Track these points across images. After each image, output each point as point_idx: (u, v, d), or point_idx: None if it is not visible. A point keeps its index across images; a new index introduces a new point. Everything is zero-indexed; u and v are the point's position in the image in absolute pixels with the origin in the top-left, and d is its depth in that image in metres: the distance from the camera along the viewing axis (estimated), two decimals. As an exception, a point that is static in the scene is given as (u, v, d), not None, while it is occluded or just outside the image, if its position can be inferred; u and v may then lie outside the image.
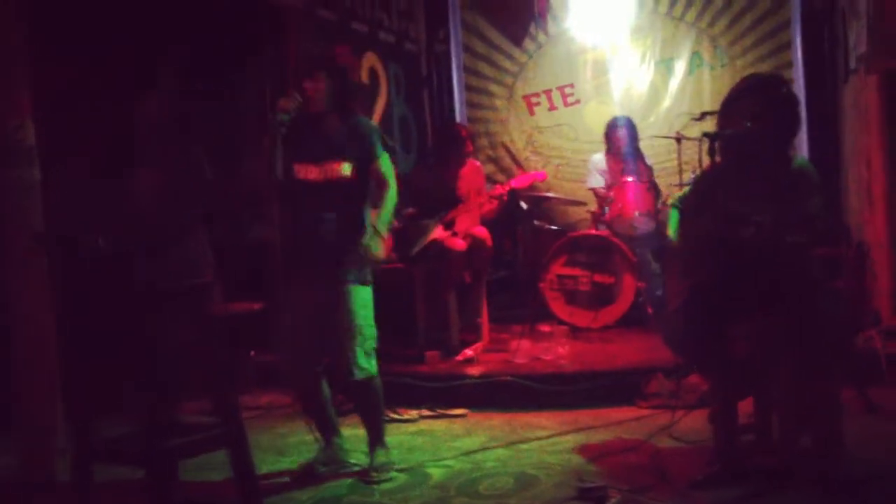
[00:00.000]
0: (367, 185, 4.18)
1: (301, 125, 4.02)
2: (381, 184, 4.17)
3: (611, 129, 7.03)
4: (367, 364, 4.08)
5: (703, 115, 6.03)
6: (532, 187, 6.92)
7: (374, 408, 4.23)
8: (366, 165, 4.13)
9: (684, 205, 4.14)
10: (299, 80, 4.05)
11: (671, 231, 4.13)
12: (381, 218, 4.15)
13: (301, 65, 4.19)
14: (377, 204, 4.22)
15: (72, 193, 4.68)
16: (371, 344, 4.11)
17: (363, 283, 4.12)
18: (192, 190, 4.74)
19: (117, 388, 3.49)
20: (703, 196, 3.98)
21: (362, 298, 4.11)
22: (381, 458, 4.18)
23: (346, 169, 4.07)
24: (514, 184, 6.42)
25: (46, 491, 4.16)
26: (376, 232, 4.11)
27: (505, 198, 6.24)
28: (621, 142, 6.92)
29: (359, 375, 4.06)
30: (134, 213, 4.55)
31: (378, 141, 4.15)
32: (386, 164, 4.18)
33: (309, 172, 4.06)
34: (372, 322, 4.14)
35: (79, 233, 4.15)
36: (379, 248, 4.12)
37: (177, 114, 4.87)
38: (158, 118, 4.80)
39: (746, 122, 3.70)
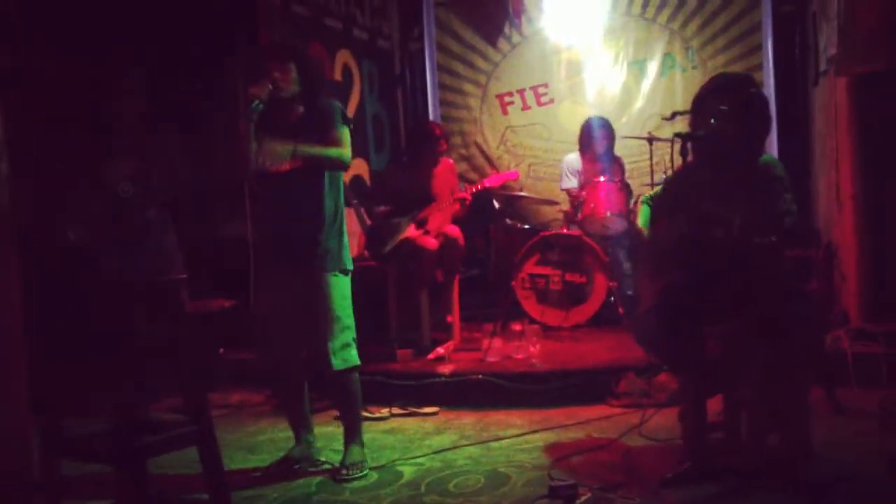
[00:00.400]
0: (339, 174, 4.18)
1: (270, 115, 4.00)
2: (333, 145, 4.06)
3: (587, 130, 7.04)
4: (345, 355, 4.06)
5: (674, 115, 6.06)
6: (504, 186, 6.94)
7: (352, 400, 4.20)
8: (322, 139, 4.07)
9: (655, 203, 4.16)
10: (268, 67, 4.03)
11: (641, 222, 4.14)
12: (310, 148, 4.00)
13: (270, 52, 4.15)
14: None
15: (43, 186, 4.64)
16: (350, 334, 4.10)
17: (341, 272, 4.11)
18: (165, 181, 4.72)
19: (87, 384, 3.46)
20: (674, 196, 4.00)
21: (340, 288, 4.10)
22: (354, 455, 4.16)
23: None
24: (486, 183, 6.43)
25: (18, 488, 4.10)
26: (295, 148, 3.99)
27: (468, 201, 6.22)
28: (598, 143, 6.94)
29: (337, 366, 4.04)
30: (107, 203, 4.52)
31: (337, 114, 4.10)
32: (343, 134, 4.08)
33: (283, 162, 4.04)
34: (350, 312, 4.12)
35: (49, 226, 4.11)
36: (284, 151, 3.99)
37: (151, 105, 4.84)
38: (135, 108, 4.77)
39: (713, 121, 3.72)
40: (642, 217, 4.15)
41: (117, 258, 3.99)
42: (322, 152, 4.02)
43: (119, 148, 4.73)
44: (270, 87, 3.96)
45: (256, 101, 3.91)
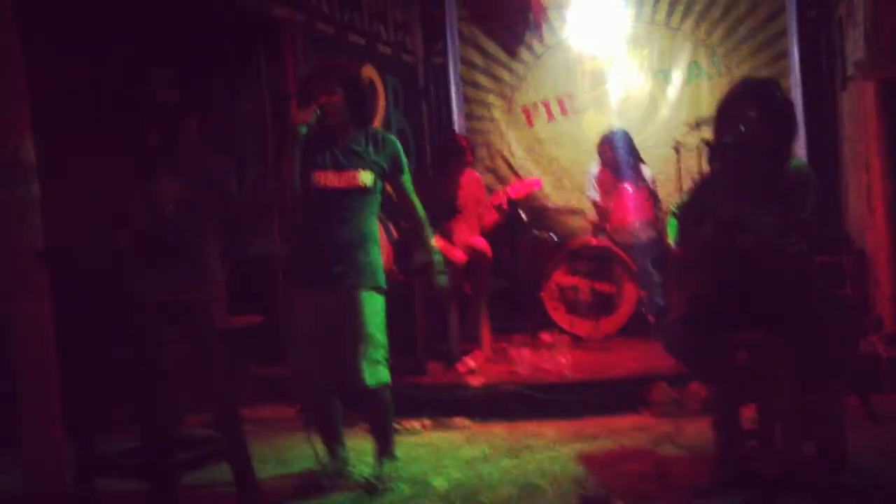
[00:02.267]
0: (380, 197, 4.21)
1: (319, 135, 4.02)
2: (409, 201, 4.27)
3: (603, 144, 7.06)
4: (378, 372, 4.06)
5: (699, 124, 6.05)
6: (530, 195, 6.93)
7: (384, 417, 4.21)
8: (386, 178, 4.17)
9: (682, 212, 4.14)
10: (315, 94, 4.04)
11: (671, 238, 4.12)
12: (428, 238, 4.34)
13: (315, 79, 4.16)
14: (407, 219, 4.40)
15: (75, 207, 4.68)
16: (382, 352, 4.09)
17: (377, 290, 4.13)
18: (213, 202, 4.75)
19: (120, 401, 3.49)
20: (701, 204, 3.98)
21: (375, 306, 4.10)
22: (387, 469, 4.15)
23: (366, 178, 4.07)
24: (510, 192, 6.44)
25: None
26: (431, 255, 4.31)
27: (504, 206, 6.24)
28: (613, 156, 6.94)
29: (370, 383, 4.03)
30: (151, 223, 4.55)
31: (404, 158, 4.19)
32: (409, 180, 4.25)
33: (329, 180, 4.06)
34: (383, 330, 4.13)
35: (80, 248, 4.15)
36: (443, 274, 4.34)
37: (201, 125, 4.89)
38: (186, 128, 4.81)
39: (741, 127, 3.70)
40: (671, 230, 4.14)
41: (150, 276, 4.01)
42: (426, 225, 4.35)
43: (168, 168, 4.77)
44: (318, 112, 3.96)
45: (304, 126, 3.93)
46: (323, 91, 4.03)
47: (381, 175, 4.14)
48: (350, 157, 4.07)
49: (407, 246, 5.99)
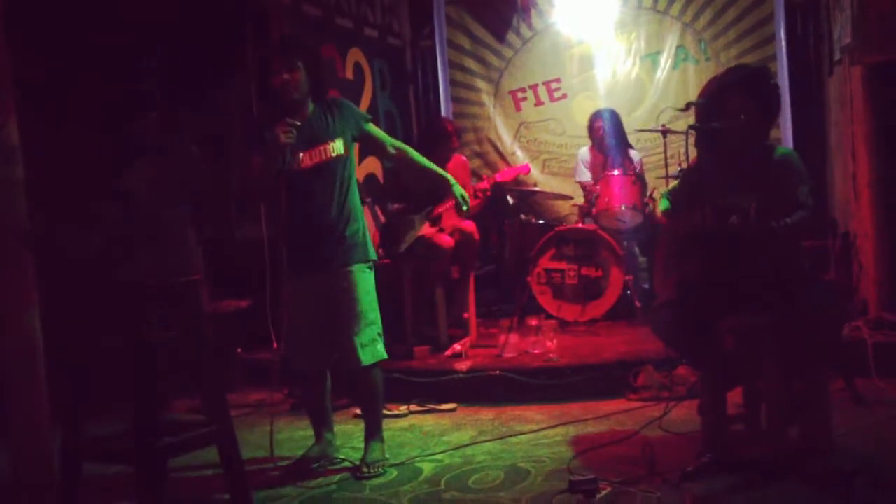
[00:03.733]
0: (353, 163, 4.23)
1: (280, 117, 4.02)
2: (386, 143, 4.33)
3: (592, 122, 7.08)
4: (373, 349, 4.08)
5: (689, 106, 6.03)
6: (517, 180, 6.93)
7: (376, 396, 4.22)
8: (356, 138, 4.21)
9: (673, 197, 4.15)
10: (278, 71, 4.05)
11: (661, 208, 4.14)
12: (426, 165, 4.41)
13: (276, 57, 4.17)
14: (396, 160, 4.47)
15: (58, 190, 4.65)
16: (376, 329, 4.11)
17: (366, 264, 4.14)
18: (188, 184, 4.74)
19: (107, 386, 3.47)
20: (691, 189, 3.99)
21: (365, 284, 4.11)
22: (375, 453, 4.16)
23: (338, 147, 4.09)
24: (498, 177, 6.44)
25: (40, 492, 4.13)
26: (450, 184, 4.41)
27: (489, 192, 6.25)
28: (602, 134, 6.96)
29: (366, 361, 4.05)
30: (128, 206, 4.53)
31: (357, 108, 4.25)
32: (374, 126, 4.30)
33: (301, 160, 4.06)
34: (376, 307, 4.14)
35: (65, 230, 4.12)
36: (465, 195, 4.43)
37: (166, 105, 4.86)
38: (158, 112, 4.79)
39: (740, 116, 3.73)
40: (662, 204, 4.15)
41: (132, 259, 4.00)
42: (424, 160, 4.42)
43: (140, 149, 4.74)
44: (294, 130, 3.98)
45: (286, 145, 3.96)
46: (285, 68, 4.05)
47: (351, 138, 4.17)
48: (315, 132, 4.10)
49: (394, 230, 5.99)
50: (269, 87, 4.07)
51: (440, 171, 4.45)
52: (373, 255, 4.19)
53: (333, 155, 4.08)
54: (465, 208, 4.41)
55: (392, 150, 4.35)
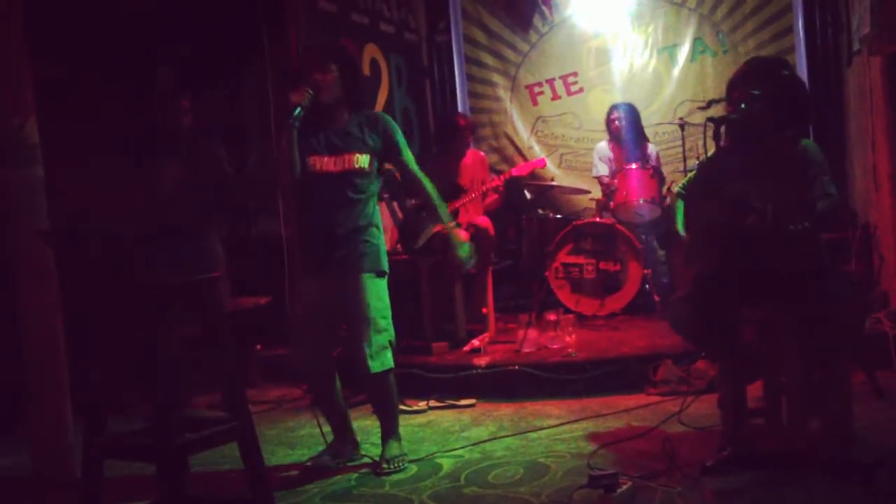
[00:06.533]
0: (378, 179, 4.19)
1: (313, 118, 4.00)
2: (415, 178, 4.24)
3: (609, 116, 7.06)
4: (382, 358, 4.05)
5: (710, 104, 6.01)
6: (532, 175, 6.92)
7: (388, 401, 4.21)
8: (385, 158, 4.16)
9: (689, 191, 4.14)
10: (309, 71, 4.03)
11: (679, 225, 4.13)
12: (442, 211, 4.30)
13: (309, 56, 4.15)
14: (417, 196, 4.44)
15: (79, 189, 4.69)
16: (386, 337, 4.08)
17: (378, 274, 4.11)
18: (213, 184, 4.77)
19: (128, 383, 3.49)
20: (707, 181, 3.97)
21: (377, 290, 4.09)
22: (393, 449, 4.17)
23: (363, 161, 4.06)
24: (513, 172, 6.43)
25: (60, 488, 4.17)
26: (451, 229, 4.32)
27: (502, 188, 6.23)
28: (620, 128, 6.94)
29: (374, 368, 4.02)
30: (153, 205, 4.57)
31: (399, 133, 4.17)
32: (411, 157, 4.23)
33: (325, 164, 4.05)
34: (387, 314, 4.11)
35: (86, 228, 4.15)
36: (467, 246, 4.33)
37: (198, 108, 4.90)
38: (184, 112, 4.82)
39: (743, 106, 3.71)
40: (679, 215, 4.14)
41: (155, 258, 4.02)
42: (439, 202, 4.31)
43: (167, 150, 4.78)
44: (311, 92, 3.94)
45: (298, 108, 3.91)
46: (317, 68, 4.02)
47: (378, 157, 4.13)
48: (345, 140, 4.06)
49: (412, 226, 5.99)
50: (298, 88, 3.99)
51: (445, 221, 4.36)
52: (385, 268, 4.15)
53: (356, 166, 4.04)
54: (460, 253, 4.30)
55: (409, 177, 4.28)
